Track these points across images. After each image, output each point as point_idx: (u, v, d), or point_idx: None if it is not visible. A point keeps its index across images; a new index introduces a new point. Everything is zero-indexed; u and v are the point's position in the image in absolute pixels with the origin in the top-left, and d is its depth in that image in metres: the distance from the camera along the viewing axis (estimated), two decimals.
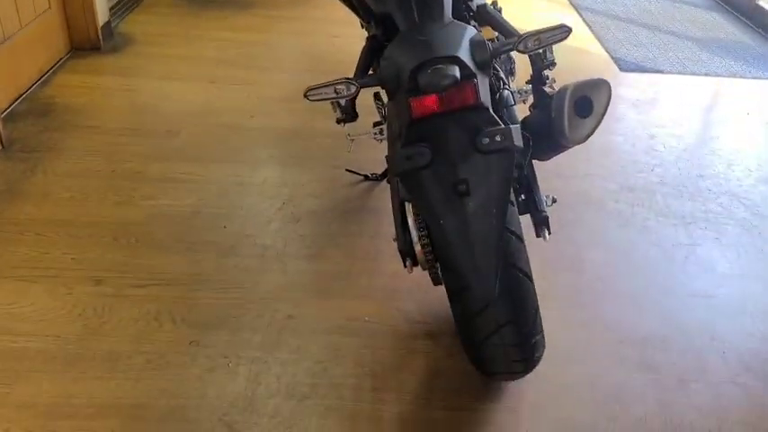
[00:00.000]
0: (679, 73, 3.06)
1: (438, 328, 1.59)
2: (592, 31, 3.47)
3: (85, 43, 2.80)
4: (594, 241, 1.93)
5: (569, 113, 1.18)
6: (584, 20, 3.62)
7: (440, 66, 1.01)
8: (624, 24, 3.58)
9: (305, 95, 1.06)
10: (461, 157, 1.05)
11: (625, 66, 3.09)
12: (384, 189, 2.07)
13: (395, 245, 1.33)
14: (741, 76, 3.05)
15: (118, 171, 2.08)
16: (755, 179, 2.27)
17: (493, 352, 1.22)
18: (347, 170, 2.12)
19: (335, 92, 1.05)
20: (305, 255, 1.80)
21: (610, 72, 3.02)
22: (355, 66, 1.44)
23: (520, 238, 1.23)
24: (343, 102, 1.46)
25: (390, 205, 1.40)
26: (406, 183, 1.09)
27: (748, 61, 3.20)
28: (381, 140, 1.72)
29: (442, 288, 1.31)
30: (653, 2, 3.96)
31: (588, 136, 1.22)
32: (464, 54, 1.06)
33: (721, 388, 1.47)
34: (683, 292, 1.76)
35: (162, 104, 2.49)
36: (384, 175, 2.09)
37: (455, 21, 1.16)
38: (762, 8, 3.66)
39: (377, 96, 1.79)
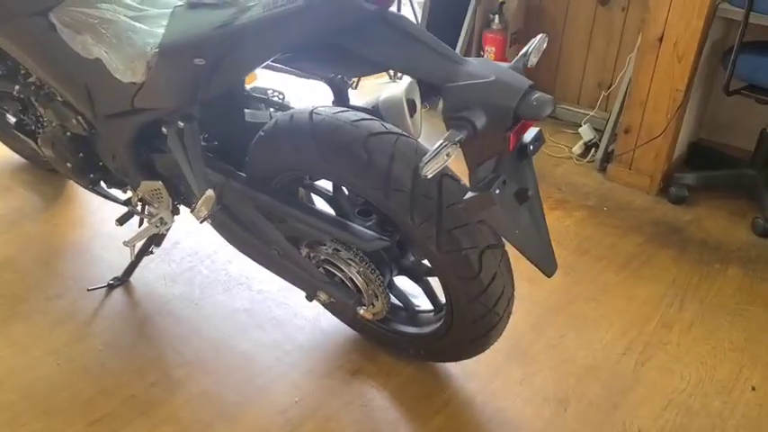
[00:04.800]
0: None
1: None
2: None
3: None
4: None
5: None
6: None
7: (536, 95, 1.01)
8: None
9: (423, 176, 0.98)
10: (520, 170, 1.11)
11: None
12: (150, 285, 1.83)
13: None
14: None
15: None
16: None
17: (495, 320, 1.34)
18: (89, 290, 1.78)
19: (447, 157, 0.98)
20: None
21: None
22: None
23: None
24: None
25: None
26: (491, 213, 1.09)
27: None
28: (167, 229, 1.63)
29: None
30: None
31: None
32: None
33: None
34: None
35: None
36: (128, 272, 1.82)
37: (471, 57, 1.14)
38: None
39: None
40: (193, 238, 2.03)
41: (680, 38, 2.17)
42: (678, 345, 1.70)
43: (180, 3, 1.32)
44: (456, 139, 0.99)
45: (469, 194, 1.06)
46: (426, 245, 1.24)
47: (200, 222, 1.40)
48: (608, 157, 2.56)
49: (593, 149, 2.65)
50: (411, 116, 1.41)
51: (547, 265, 1.18)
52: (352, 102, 1.49)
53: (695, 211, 2.31)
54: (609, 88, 2.82)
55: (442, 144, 0.98)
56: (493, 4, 2.92)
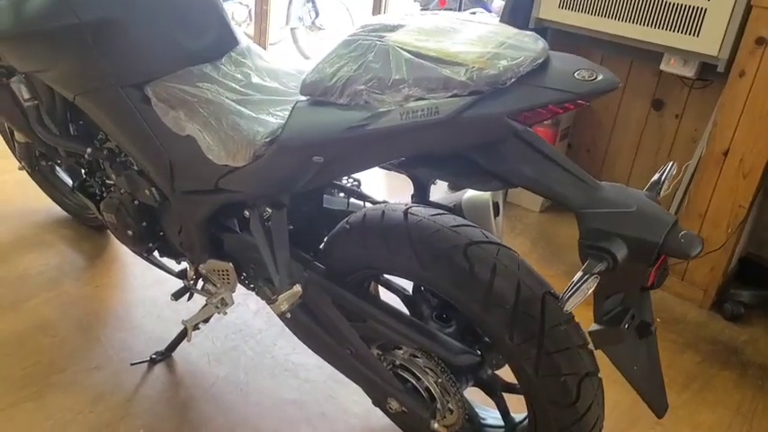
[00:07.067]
0: None
1: None
2: None
3: None
4: None
5: None
6: None
7: (683, 232, 0.96)
8: None
9: (564, 310, 0.93)
10: (643, 302, 1.05)
11: None
12: (193, 363, 1.75)
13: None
14: None
15: None
16: None
17: None
18: (132, 364, 1.71)
19: (587, 290, 0.92)
20: None
21: None
22: None
23: None
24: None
25: None
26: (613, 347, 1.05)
27: None
28: (224, 312, 1.55)
29: None
30: None
31: None
32: None
33: None
34: None
35: None
36: (172, 347, 1.76)
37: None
38: None
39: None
40: (237, 314, 1.96)
41: (747, 155, 2.15)
42: None
43: (290, 91, 1.30)
44: (596, 271, 0.93)
45: (596, 327, 1.00)
46: (522, 366, 1.16)
47: (278, 315, 1.33)
48: None
49: None
50: (494, 217, 1.37)
51: (659, 404, 1.10)
52: (432, 198, 1.45)
53: (751, 330, 2.23)
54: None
55: (582, 277, 0.92)
56: None
